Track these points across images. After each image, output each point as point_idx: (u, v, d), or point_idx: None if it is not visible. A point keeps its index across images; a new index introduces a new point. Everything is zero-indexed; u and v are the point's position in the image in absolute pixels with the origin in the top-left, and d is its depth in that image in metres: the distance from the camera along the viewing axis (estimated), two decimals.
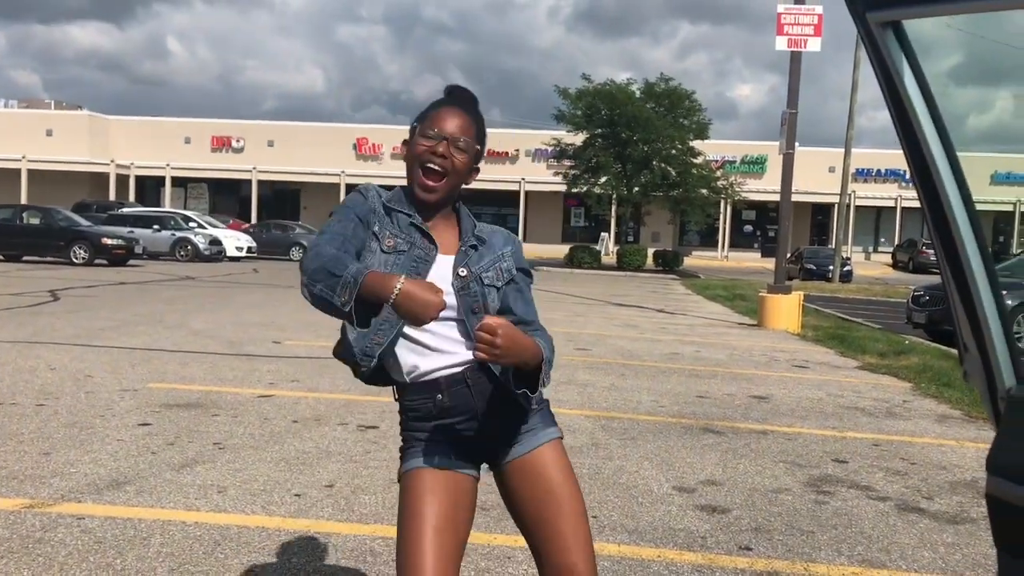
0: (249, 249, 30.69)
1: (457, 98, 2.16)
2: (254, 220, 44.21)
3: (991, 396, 1.30)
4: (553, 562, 2.06)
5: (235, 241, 30.29)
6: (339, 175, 48.22)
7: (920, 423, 7.01)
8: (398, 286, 1.82)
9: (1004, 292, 1.17)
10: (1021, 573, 1.21)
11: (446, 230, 2.15)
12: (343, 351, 2.13)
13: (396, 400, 2.14)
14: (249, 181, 49.09)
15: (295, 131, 50.30)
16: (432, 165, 2.05)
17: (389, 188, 2.18)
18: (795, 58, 14.82)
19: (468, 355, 2.02)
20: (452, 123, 2.07)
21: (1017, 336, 13.63)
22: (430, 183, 2.05)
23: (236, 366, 8.10)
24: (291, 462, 4.95)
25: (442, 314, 1.91)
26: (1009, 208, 46.74)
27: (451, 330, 2.05)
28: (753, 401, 7.55)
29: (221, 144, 50.25)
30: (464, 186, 2.14)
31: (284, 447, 5.27)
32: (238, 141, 50.08)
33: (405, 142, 2.16)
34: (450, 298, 2.02)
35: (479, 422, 2.06)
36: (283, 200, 50.64)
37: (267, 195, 50.35)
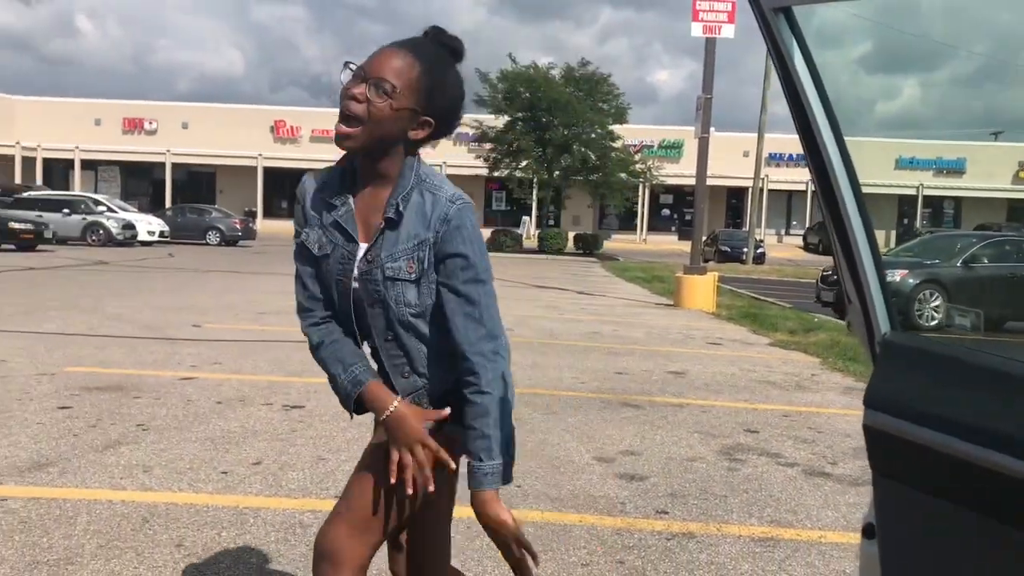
0: (162, 233, 30.02)
1: (416, 39, 1.82)
2: (168, 204, 43.16)
3: (870, 342, 1.48)
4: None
5: (147, 225, 29.60)
6: (256, 158, 47.36)
7: (827, 395, 7.35)
8: (391, 408, 1.81)
9: (883, 253, 1.35)
10: (892, 491, 1.38)
11: (375, 204, 1.82)
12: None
13: None
14: (163, 164, 47.90)
15: (211, 112, 49.10)
16: (346, 108, 1.74)
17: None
18: (710, 44, 15.18)
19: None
20: (383, 62, 1.74)
21: (918, 313, 14.17)
22: (342, 127, 1.73)
23: (156, 349, 8.01)
24: (217, 441, 4.97)
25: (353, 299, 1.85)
26: (912, 192, 48.58)
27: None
28: (670, 376, 7.81)
29: (133, 126, 48.84)
30: (415, 144, 1.82)
31: (209, 427, 5.27)
32: (151, 123, 48.75)
33: None
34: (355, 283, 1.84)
35: None
36: (198, 183, 49.48)
37: (181, 178, 49.15)
